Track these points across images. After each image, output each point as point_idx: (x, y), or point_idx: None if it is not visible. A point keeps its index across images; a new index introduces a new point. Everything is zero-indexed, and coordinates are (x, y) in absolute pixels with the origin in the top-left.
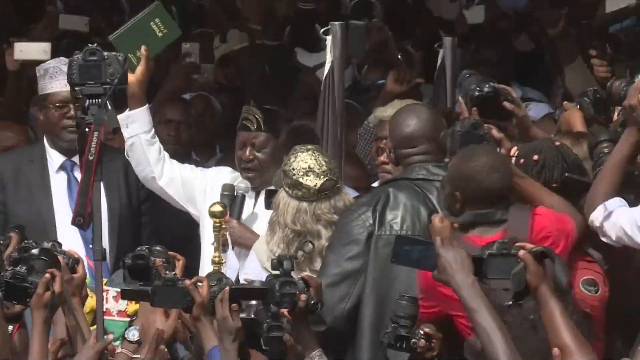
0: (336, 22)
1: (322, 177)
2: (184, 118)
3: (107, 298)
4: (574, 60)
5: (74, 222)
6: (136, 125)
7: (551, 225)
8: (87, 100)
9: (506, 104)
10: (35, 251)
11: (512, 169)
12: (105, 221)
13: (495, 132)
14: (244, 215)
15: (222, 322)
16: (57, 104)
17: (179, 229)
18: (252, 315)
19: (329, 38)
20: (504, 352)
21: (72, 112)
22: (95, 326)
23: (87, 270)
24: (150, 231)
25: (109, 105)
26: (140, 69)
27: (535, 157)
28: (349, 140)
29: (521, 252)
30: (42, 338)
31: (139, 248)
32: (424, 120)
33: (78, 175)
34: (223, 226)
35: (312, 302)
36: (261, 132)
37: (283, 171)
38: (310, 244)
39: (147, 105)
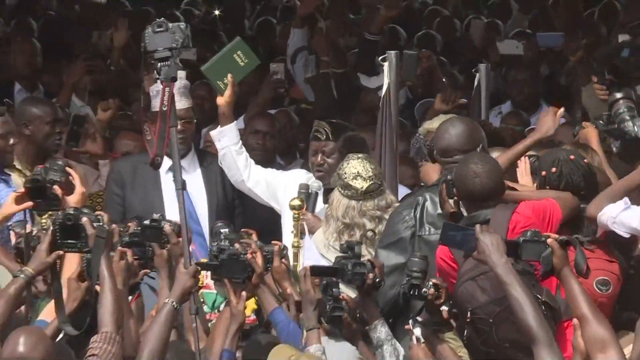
0: (392, 51)
1: (368, 181)
2: (270, 129)
3: (206, 275)
4: (589, 83)
5: (152, 163)
6: (226, 139)
7: (527, 219)
8: (159, 63)
9: None
10: (147, 222)
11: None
12: (206, 212)
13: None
14: (317, 209)
15: (305, 294)
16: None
17: (265, 220)
18: None
19: (385, 64)
20: (533, 318)
21: (179, 126)
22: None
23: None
24: (242, 222)
25: (178, 63)
26: (227, 92)
27: (554, 169)
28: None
29: (549, 240)
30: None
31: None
32: (459, 134)
33: (183, 175)
34: (301, 217)
35: (377, 279)
36: (329, 141)
37: (337, 174)
38: (372, 232)
39: (234, 121)
